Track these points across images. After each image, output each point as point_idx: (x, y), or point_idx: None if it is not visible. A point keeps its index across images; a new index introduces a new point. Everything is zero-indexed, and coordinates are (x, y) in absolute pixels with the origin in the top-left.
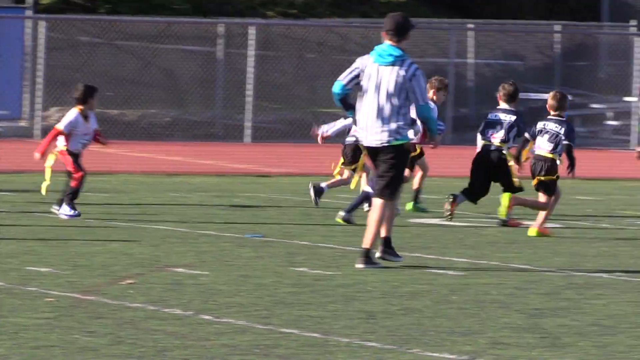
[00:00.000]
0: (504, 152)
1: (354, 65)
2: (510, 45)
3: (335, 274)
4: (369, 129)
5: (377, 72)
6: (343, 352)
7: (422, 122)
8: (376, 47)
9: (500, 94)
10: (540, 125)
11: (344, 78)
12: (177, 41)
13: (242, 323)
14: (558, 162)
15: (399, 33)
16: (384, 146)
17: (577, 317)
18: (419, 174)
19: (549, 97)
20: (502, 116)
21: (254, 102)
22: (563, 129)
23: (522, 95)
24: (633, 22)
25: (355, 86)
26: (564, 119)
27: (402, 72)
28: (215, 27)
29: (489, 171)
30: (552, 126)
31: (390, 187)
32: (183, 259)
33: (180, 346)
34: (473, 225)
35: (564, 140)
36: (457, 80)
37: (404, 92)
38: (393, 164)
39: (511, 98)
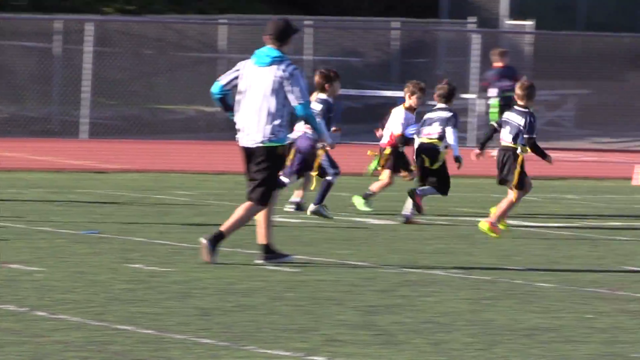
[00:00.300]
0: (441, 149)
1: (235, 68)
2: (348, 42)
3: (170, 271)
4: (245, 129)
5: (254, 73)
6: (177, 349)
7: (304, 121)
8: (257, 51)
9: (436, 94)
10: (505, 116)
11: (222, 79)
12: (14, 37)
13: (77, 319)
14: (519, 150)
15: (280, 38)
16: (257, 147)
17: (412, 315)
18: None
19: (516, 87)
20: (441, 114)
21: (91, 98)
22: (524, 121)
23: (359, 92)
24: (471, 19)
25: (235, 88)
26: (527, 110)
27: (280, 72)
28: (53, 24)
29: (425, 166)
30: (513, 118)
31: (259, 190)
32: (18, 255)
33: (14, 342)
34: (309, 222)
35: (525, 134)
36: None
37: (282, 93)
38: (264, 166)
39: (447, 97)
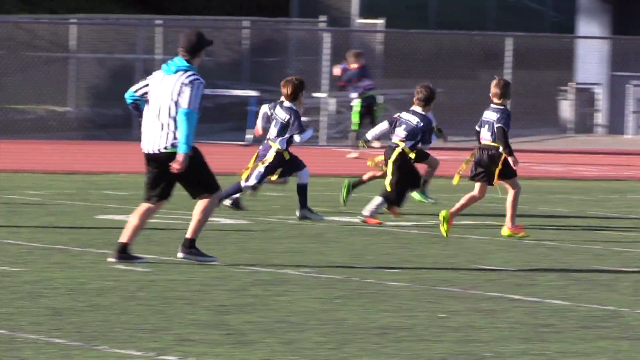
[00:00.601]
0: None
1: (149, 77)
2: None
3: (21, 271)
4: (149, 135)
5: (161, 80)
6: (30, 349)
7: (179, 127)
8: (169, 61)
9: (415, 97)
10: (483, 116)
11: (134, 86)
12: None
13: None
14: (502, 149)
15: (191, 51)
16: (161, 153)
17: (264, 314)
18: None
19: (492, 85)
20: (410, 118)
21: None
22: (497, 116)
23: (211, 91)
24: (322, 18)
25: (146, 95)
26: (502, 107)
27: (182, 79)
28: None
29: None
30: (489, 116)
31: (203, 191)
32: None
33: None
34: (161, 222)
35: (496, 123)
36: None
37: None
38: (185, 172)
39: (425, 101)
